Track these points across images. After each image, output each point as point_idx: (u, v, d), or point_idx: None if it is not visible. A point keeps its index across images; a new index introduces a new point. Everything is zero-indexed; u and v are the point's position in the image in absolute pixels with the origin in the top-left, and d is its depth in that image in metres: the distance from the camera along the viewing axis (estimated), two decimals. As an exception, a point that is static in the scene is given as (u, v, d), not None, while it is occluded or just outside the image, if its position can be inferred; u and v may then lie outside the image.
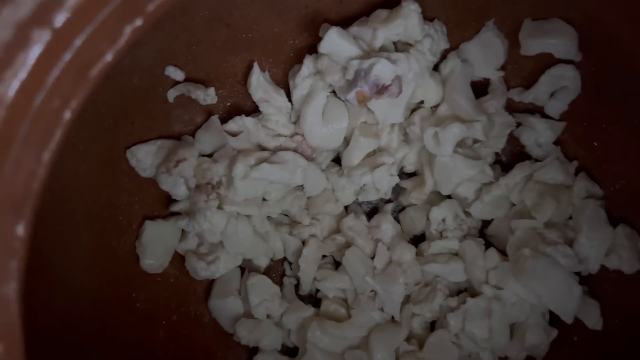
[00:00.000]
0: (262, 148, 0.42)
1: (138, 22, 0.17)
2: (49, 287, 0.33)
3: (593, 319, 0.39)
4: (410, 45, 0.39)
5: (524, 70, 0.40)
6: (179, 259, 0.43)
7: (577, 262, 0.38)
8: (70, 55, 0.17)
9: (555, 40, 0.36)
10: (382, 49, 0.39)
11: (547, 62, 0.39)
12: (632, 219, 0.39)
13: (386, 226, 0.44)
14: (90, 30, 0.17)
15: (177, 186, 0.39)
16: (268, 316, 0.42)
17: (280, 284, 0.45)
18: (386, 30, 0.38)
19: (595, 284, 0.40)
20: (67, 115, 0.18)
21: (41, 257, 0.33)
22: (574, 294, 0.38)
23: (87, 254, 0.38)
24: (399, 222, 0.45)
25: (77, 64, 0.17)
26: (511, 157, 0.44)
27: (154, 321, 0.42)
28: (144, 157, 0.39)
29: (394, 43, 0.40)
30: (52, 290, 0.34)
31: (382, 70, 0.37)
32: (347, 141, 0.43)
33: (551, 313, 0.41)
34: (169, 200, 0.42)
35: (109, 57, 0.17)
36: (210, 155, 0.41)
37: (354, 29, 0.39)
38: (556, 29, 0.37)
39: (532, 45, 0.38)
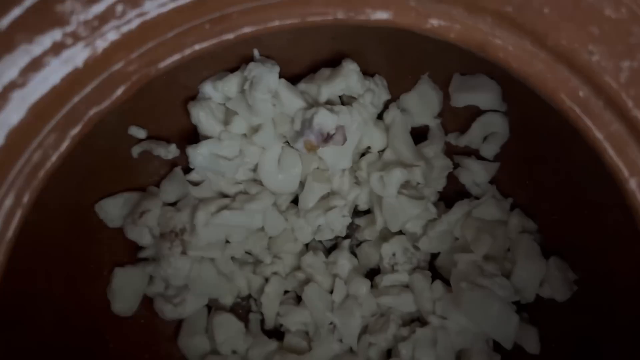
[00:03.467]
0: (224, 195, 0.45)
1: (77, 129, 0.21)
2: (21, 339, 0.36)
3: (532, 344, 0.43)
4: (354, 98, 0.43)
5: (459, 117, 0.44)
6: (148, 301, 0.46)
7: (514, 292, 0.42)
8: (23, 160, 0.20)
9: (480, 94, 0.40)
10: (329, 102, 0.43)
11: (478, 109, 0.42)
12: (563, 250, 0.42)
13: (343, 262, 0.47)
14: (39, 139, 0.20)
15: (142, 235, 0.42)
16: (234, 352, 0.45)
17: (246, 319, 0.48)
18: (329, 87, 0.41)
19: (533, 311, 0.44)
20: (20, 211, 0.21)
21: (12, 312, 0.36)
22: (511, 321, 0.41)
23: (60, 300, 0.41)
24: (356, 256, 0.49)
25: (29, 166, 0.21)
26: (455, 194, 0.47)
27: (126, 361, 0.45)
28: (112, 210, 0.43)
29: (340, 97, 0.44)
30: (25, 341, 0.37)
31: (323, 119, 0.40)
32: (303, 184, 0.46)
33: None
34: (137, 247, 0.45)
35: (54, 159, 0.21)
36: (174, 204, 0.45)
37: (302, 85, 0.43)
38: (481, 84, 0.41)
39: (460, 98, 0.41)
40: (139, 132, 0.42)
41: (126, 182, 0.44)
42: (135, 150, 0.43)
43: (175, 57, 0.21)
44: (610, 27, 0.21)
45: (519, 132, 0.42)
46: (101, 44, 0.21)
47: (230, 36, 0.21)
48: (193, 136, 0.44)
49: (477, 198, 0.45)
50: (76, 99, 0.20)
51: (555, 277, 0.42)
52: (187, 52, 0.21)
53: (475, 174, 0.44)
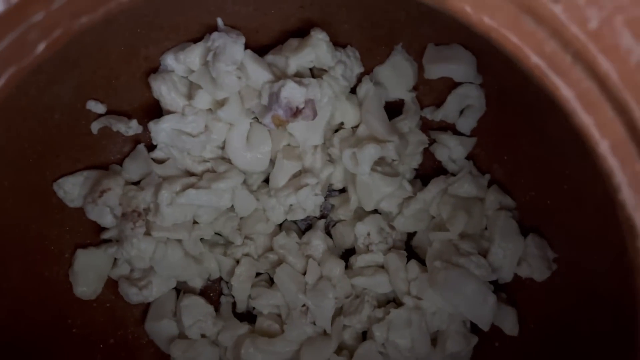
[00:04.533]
0: (190, 173, 0.43)
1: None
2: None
3: (510, 325, 0.41)
4: (325, 71, 0.41)
5: (434, 90, 0.42)
6: (113, 284, 0.44)
7: (491, 271, 0.40)
8: None
9: (454, 65, 0.38)
10: (298, 75, 0.41)
11: (453, 82, 0.40)
12: (541, 228, 0.41)
13: (316, 242, 0.45)
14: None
15: (103, 215, 0.41)
16: (203, 336, 0.44)
17: (218, 302, 0.47)
18: (297, 58, 0.40)
19: (511, 291, 0.42)
20: None
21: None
22: (488, 302, 0.40)
23: (19, 284, 0.39)
24: (332, 236, 0.47)
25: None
26: (432, 171, 0.46)
27: (91, 345, 0.43)
28: (71, 189, 0.41)
29: (310, 70, 0.42)
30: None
31: (291, 92, 0.38)
32: (273, 162, 0.44)
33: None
34: (100, 227, 0.43)
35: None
36: (138, 183, 0.43)
37: (269, 57, 0.41)
38: (455, 54, 0.39)
39: (434, 69, 0.40)
40: (97, 107, 0.40)
41: (87, 160, 0.42)
42: (95, 127, 0.41)
43: (101, 10, 0.19)
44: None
45: (495, 105, 0.41)
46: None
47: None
48: (156, 111, 0.42)
49: (453, 175, 0.44)
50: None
51: (534, 256, 0.40)
52: (114, 4, 0.19)
53: (451, 150, 0.42)
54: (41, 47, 0.20)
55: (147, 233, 0.41)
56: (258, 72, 0.39)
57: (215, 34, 0.39)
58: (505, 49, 0.21)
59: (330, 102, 0.41)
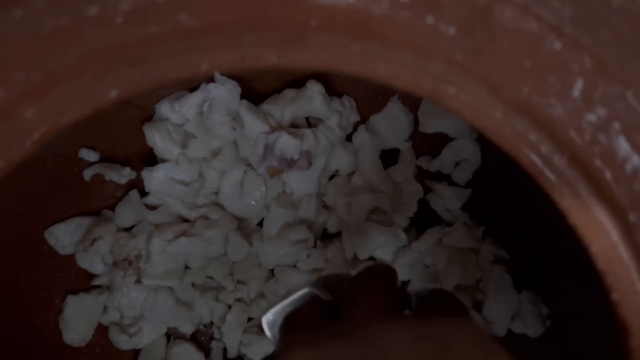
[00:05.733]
0: (183, 219, 0.43)
1: None
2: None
3: (503, 379, 0.41)
4: (322, 120, 0.41)
5: (430, 141, 0.42)
6: (104, 329, 0.43)
7: (485, 325, 0.40)
8: None
9: (449, 122, 0.38)
10: (294, 125, 0.41)
11: (447, 135, 0.40)
12: (535, 284, 0.41)
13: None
14: None
15: (94, 264, 0.40)
16: (193, 383, 0.43)
17: (208, 347, 0.46)
18: (293, 109, 0.39)
19: (504, 346, 0.42)
20: None
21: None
22: (482, 357, 0.39)
23: (8, 331, 0.39)
24: (325, 281, 0.47)
25: None
26: (428, 219, 0.45)
27: (80, 393, 0.42)
28: (63, 236, 0.40)
29: (307, 118, 0.42)
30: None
31: (286, 144, 0.38)
32: (268, 208, 0.44)
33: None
34: (91, 274, 0.43)
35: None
36: (130, 229, 0.42)
37: (265, 106, 0.41)
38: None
39: (429, 124, 0.39)
40: (90, 155, 0.40)
41: (79, 206, 0.42)
42: (87, 174, 0.40)
43: (90, 105, 0.19)
44: (571, 78, 0.18)
45: (491, 159, 0.40)
46: (2, 93, 0.19)
47: (149, 82, 0.19)
48: (151, 157, 0.42)
49: (449, 225, 0.43)
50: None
51: (528, 312, 0.40)
52: (103, 99, 0.19)
53: (446, 200, 0.42)
54: (26, 143, 0.19)
55: (138, 280, 0.41)
56: (254, 123, 0.39)
57: (211, 85, 0.38)
58: (501, 146, 0.21)
59: (325, 152, 0.40)
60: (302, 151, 0.39)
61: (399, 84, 0.21)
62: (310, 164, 0.40)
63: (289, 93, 0.40)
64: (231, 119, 0.39)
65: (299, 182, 0.41)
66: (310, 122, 0.42)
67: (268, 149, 0.39)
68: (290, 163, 0.39)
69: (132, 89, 0.19)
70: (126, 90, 0.19)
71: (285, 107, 0.39)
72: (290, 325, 0.28)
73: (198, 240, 0.41)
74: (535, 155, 0.21)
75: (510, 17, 0.18)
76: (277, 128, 0.40)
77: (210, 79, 0.39)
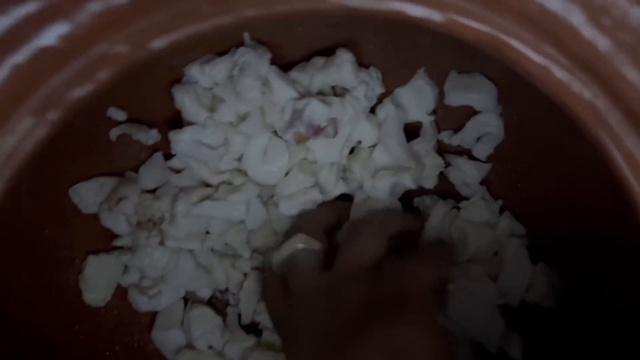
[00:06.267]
0: (206, 184, 0.43)
1: (56, 114, 0.19)
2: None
3: (515, 350, 0.42)
4: (347, 90, 0.41)
5: (453, 115, 0.42)
6: (122, 291, 0.44)
7: (500, 296, 0.41)
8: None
9: (475, 95, 0.39)
10: (320, 93, 0.41)
11: (472, 108, 0.41)
12: (551, 257, 0.42)
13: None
14: (11, 123, 0.18)
15: (118, 223, 0.40)
16: (210, 347, 0.44)
17: (223, 313, 0.47)
18: (322, 76, 0.40)
19: (517, 316, 0.43)
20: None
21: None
22: (497, 325, 0.41)
23: (29, 288, 0.39)
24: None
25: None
26: (444, 193, 0.46)
27: (97, 352, 0.43)
28: (87, 195, 0.40)
29: (333, 88, 0.42)
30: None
31: (315, 110, 0.39)
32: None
33: (478, 343, 0.43)
34: (112, 234, 0.43)
35: (29, 146, 0.19)
36: (153, 191, 0.42)
37: (294, 73, 0.41)
38: (477, 84, 0.39)
39: (455, 97, 0.40)
40: (118, 114, 0.40)
41: (103, 166, 0.42)
42: (114, 133, 0.40)
43: (168, 38, 0.19)
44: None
45: (514, 134, 0.41)
46: (84, 20, 0.19)
47: (228, 19, 0.19)
48: (177, 120, 0.42)
49: (466, 199, 0.44)
50: (55, 81, 0.18)
51: (542, 284, 0.41)
52: (181, 34, 0.19)
53: (466, 174, 0.43)
54: (104, 74, 0.20)
55: (161, 242, 0.41)
56: (282, 89, 0.39)
57: (242, 49, 0.39)
58: (558, 102, 0.22)
59: (351, 122, 0.41)
60: (330, 119, 0.40)
61: (465, 34, 0.21)
62: (336, 132, 0.40)
63: (318, 61, 0.40)
64: (261, 83, 0.39)
65: (324, 150, 0.42)
66: (336, 92, 0.42)
67: (296, 114, 0.39)
68: (317, 130, 0.40)
69: (211, 26, 0.19)
70: (205, 28, 0.19)
71: (313, 75, 0.40)
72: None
73: (222, 204, 0.41)
74: (590, 111, 0.21)
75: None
76: (305, 95, 0.40)
77: (240, 43, 0.40)
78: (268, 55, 0.39)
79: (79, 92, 0.19)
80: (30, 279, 0.39)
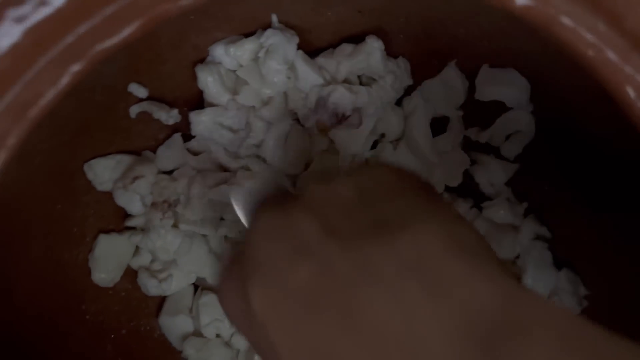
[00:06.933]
0: (224, 169, 0.42)
1: (79, 65, 0.18)
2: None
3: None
4: (374, 80, 0.40)
5: (482, 111, 0.41)
6: (132, 273, 0.43)
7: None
8: (12, 95, 0.17)
9: (508, 90, 0.38)
10: (346, 81, 0.40)
11: (502, 105, 0.40)
12: (576, 263, 0.40)
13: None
14: (33, 71, 0.17)
15: (132, 202, 0.39)
16: (218, 335, 0.43)
17: (233, 302, 0.45)
18: (349, 64, 0.39)
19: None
20: (5, 153, 0.18)
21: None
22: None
23: (37, 264, 0.38)
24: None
25: (19, 103, 0.17)
26: (466, 192, 0.45)
27: (102, 334, 0.42)
28: (102, 171, 0.39)
29: (359, 77, 0.41)
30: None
31: (340, 98, 0.38)
32: (307, 167, 0.43)
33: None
34: (126, 214, 0.42)
35: (50, 97, 0.18)
36: (170, 173, 0.41)
37: (320, 59, 0.40)
38: (510, 79, 0.38)
39: (486, 92, 0.39)
40: (139, 91, 0.39)
41: (120, 143, 0.41)
42: (134, 110, 0.39)
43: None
44: None
45: (544, 133, 0.40)
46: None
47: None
48: (198, 102, 0.41)
49: (489, 198, 0.43)
50: (81, 30, 0.17)
51: (565, 291, 0.39)
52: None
53: (492, 174, 0.42)
54: (133, 26, 0.19)
55: (175, 225, 0.40)
56: (308, 74, 0.38)
57: (269, 31, 0.38)
58: (607, 84, 0.20)
59: (376, 113, 0.40)
60: (355, 108, 0.39)
61: (515, 7, 0.20)
62: (361, 122, 0.39)
63: (347, 47, 0.39)
64: (287, 67, 0.38)
65: (347, 140, 0.41)
66: (362, 82, 0.41)
67: (321, 102, 0.38)
68: (341, 119, 0.39)
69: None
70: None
71: (341, 62, 0.39)
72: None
73: (238, 190, 0.40)
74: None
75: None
76: (331, 82, 0.39)
77: (267, 25, 0.39)
78: (296, 39, 0.38)
79: (105, 44, 0.18)
80: (39, 253, 0.38)
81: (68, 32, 0.17)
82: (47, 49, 0.17)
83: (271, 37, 0.38)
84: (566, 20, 0.20)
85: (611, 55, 0.20)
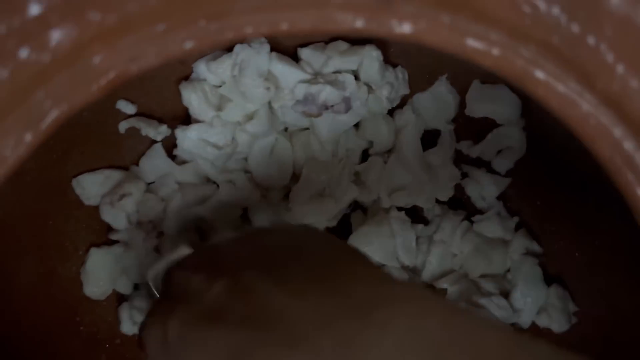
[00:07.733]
0: (209, 181, 0.42)
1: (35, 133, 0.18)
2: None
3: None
4: (370, 87, 0.39)
5: (473, 125, 0.41)
6: (124, 285, 0.43)
7: (512, 313, 0.40)
8: None
9: (498, 107, 0.37)
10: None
11: (493, 120, 0.39)
12: (566, 279, 0.40)
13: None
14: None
15: (117, 219, 0.40)
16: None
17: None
18: (340, 61, 0.38)
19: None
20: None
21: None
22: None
23: (31, 279, 0.39)
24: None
25: None
26: (457, 205, 0.44)
27: (97, 344, 0.42)
28: (90, 186, 0.39)
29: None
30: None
31: (330, 95, 0.37)
32: (296, 177, 0.43)
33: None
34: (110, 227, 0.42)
35: (7, 164, 0.18)
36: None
37: (306, 50, 0.39)
38: (501, 96, 0.37)
39: (477, 108, 0.38)
40: (127, 107, 0.39)
41: (110, 158, 0.41)
42: (123, 126, 0.39)
43: (162, 55, 0.18)
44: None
45: (535, 150, 0.39)
46: (74, 33, 0.18)
47: (228, 36, 0.18)
48: (187, 117, 0.41)
49: (481, 212, 0.42)
50: (40, 95, 0.17)
51: (555, 307, 0.39)
52: (177, 50, 0.18)
53: (483, 187, 0.41)
54: (93, 88, 0.18)
55: (157, 249, 0.41)
56: (289, 72, 0.38)
57: (238, 47, 0.37)
58: (582, 138, 0.20)
59: (364, 107, 0.39)
60: (344, 98, 0.38)
61: (485, 62, 0.20)
62: (348, 108, 0.38)
63: (341, 45, 0.38)
64: (263, 79, 0.37)
65: (329, 126, 0.40)
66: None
67: (309, 97, 0.38)
68: (327, 107, 0.38)
69: (209, 43, 0.18)
70: (202, 44, 0.18)
71: (331, 57, 0.38)
72: (168, 279, 0.31)
73: (216, 206, 0.40)
74: (616, 151, 0.20)
75: (620, 3, 0.17)
76: (316, 76, 0.38)
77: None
78: (266, 48, 0.37)
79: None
80: (33, 268, 0.38)
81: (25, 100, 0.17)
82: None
83: (240, 53, 0.37)
84: (539, 75, 0.20)
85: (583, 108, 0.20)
